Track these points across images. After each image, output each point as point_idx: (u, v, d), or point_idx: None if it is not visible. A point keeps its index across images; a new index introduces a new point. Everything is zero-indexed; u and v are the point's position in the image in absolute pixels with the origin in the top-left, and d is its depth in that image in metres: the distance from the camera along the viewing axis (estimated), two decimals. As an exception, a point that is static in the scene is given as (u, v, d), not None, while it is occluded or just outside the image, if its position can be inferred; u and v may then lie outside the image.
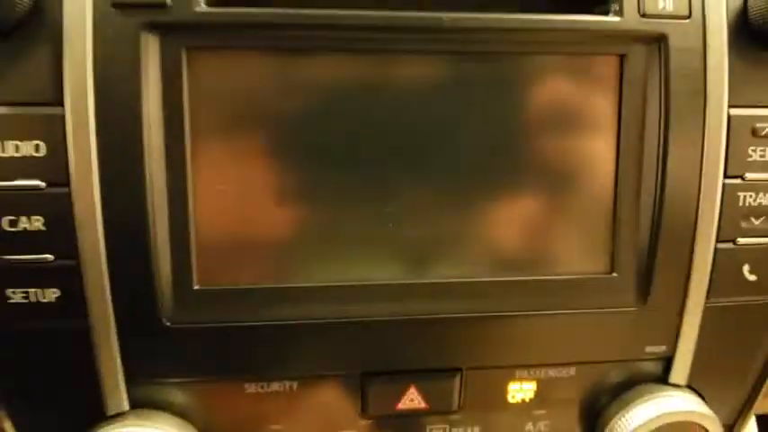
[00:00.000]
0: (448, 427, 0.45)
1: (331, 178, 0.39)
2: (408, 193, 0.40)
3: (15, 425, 0.40)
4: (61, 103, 0.35)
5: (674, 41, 0.40)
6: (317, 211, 0.40)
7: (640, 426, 0.43)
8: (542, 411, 0.45)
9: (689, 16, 0.40)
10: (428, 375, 0.42)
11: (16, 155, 0.35)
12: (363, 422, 0.44)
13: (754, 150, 0.41)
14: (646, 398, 0.44)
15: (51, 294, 0.37)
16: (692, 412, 0.44)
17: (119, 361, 0.39)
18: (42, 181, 0.36)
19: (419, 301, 0.41)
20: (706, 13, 0.40)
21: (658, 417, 0.43)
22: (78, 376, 0.39)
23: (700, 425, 0.44)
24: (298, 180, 0.39)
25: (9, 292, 0.37)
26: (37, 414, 0.40)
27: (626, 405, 0.44)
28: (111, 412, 0.40)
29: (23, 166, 0.36)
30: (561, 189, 0.41)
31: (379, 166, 0.40)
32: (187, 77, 0.37)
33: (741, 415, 0.48)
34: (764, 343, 0.45)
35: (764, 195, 0.42)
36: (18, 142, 0.35)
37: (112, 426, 0.40)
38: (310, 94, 0.39)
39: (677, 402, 0.44)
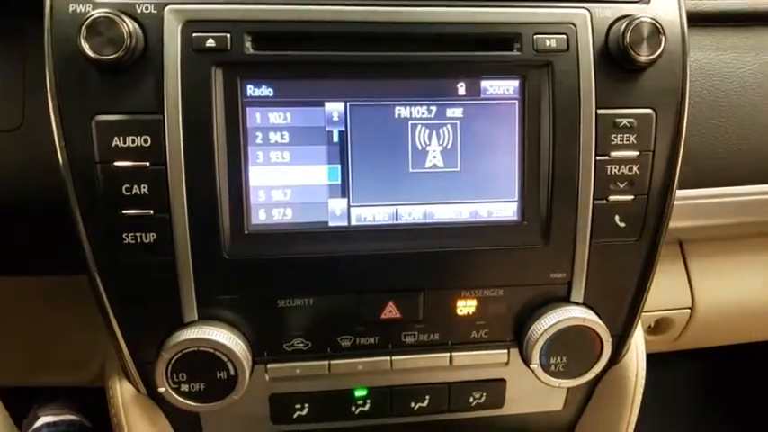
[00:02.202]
0: (416, 333, 0.64)
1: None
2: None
3: (122, 330, 0.60)
4: (161, 112, 0.55)
5: (557, 67, 0.59)
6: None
7: (548, 328, 0.62)
8: (482, 322, 0.64)
9: (567, 50, 0.60)
10: (401, 294, 0.62)
11: (132, 145, 0.55)
12: (358, 328, 0.62)
13: (615, 137, 0.61)
14: (552, 310, 0.63)
15: (151, 237, 0.57)
16: (585, 318, 0.62)
17: (192, 284, 0.58)
18: (148, 162, 0.55)
19: (395, 241, 0.60)
20: (579, 47, 0.60)
21: (560, 321, 0.62)
22: (164, 295, 0.58)
23: (591, 328, 0.63)
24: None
25: (124, 235, 0.56)
26: (136, 322, 0.59)
27: (539, 316, 0.63)
28: (185, 321, 0.59)
29: (136, 153, 0.55)
30: (487, 165, 0.61)
31: None
32: (240, 97, 0.57)
33: (627, 327, 0.66)
34: (635, 272, 0.65)
35: (624, 167, 0.61)
36: (134, 137, 0.55)
37: (186, 329, 0.59)
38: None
39: (575, 311, 0.63)
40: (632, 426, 0.71)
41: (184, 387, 0.60)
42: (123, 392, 0.62)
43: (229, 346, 0.58)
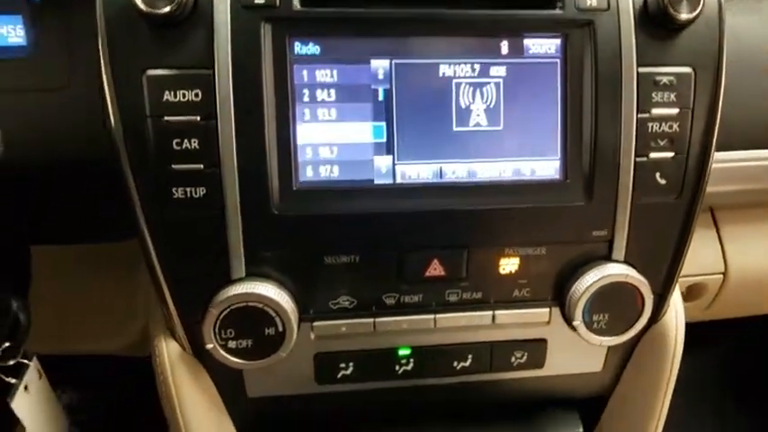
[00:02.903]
0: (459, 291, 0.64)
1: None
2: None
3: (170, 288, 0.60)
4: (212, 67, 0.55)
5: (598, 25, 0.60)
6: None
7: (591, 285, 0.62)
8: (524, 280, 0.64)
9: (608, 8, 0.60)
10: (445, 251, 0.62)
11: (182, 100, 0.55)
12: (403, 286, 0.63)
13: (656, 94, 0.61)
14: (594, 267, 0.63)
15: (200, 192, 0.57)
16: (627, 275, 0.63)
17: (241, 239, 0.58)
18: (199, 116, 0.56)
19: (439, 198, 0.60)
20: (619, 6, 0.60)
21: (603, 277, 0.62)
22: (213, 251, 0.58)
23: (633, 285, 0.64)
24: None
25: (174, 190, 0.56)
26: (184, 279, 0.59)
27: (581, 274, 0.63)
28: (233, 277, 0.59)
29: (187, 107, 0.55)
30: (529, 124, 0.62)
31: None
32: (288, 54, 0.57)
33: (666, 285, 0.67)
34: (675, 230, 0.65)
35: (665, 125, 0.62)
36: (185, 91, 0.55)
37: (235, 285, 0.59)
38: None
39: (617, 268, 0.63)
40: (671, 389, 0.71)
41: (232, 344, 0.60)
42: (170, 352, 0.62)
43: (278, 301, 0.58)
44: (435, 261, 0.62)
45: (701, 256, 0.78)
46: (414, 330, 0.64)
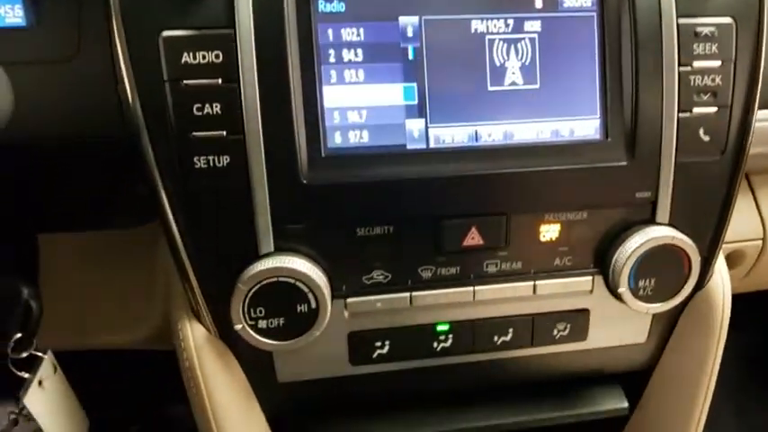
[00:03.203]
0: (499, 262, 0.60)
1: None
2: None
3: (194, 265, 0.56)
4: (233, 26, 0.51)
5: None
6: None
7: (637, 248, 0.59)
8: (566, 248, 0.61)
9: None
10: (483, 218, 0.58)
11: (203, 62, 0.52)
12: (439, 258, 0.59)
13: (697, 46, 0.58)
14: (638, 231, 0.60)
15: (224, 160, 0.53)
16: (674, 237, 0.60)
17: (268, 211, 0.54)
18: (220, 79, 0.52)
19: (476, 162, 0.57)
20: None
21: (650, 240, 0.59)
22: (239, 224, 0.55)
23: (680, 248, 0.60)
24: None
25: (195, 159, 0.53)
26: (208, 255, 0.56)
27: (625, 238, 0.60)
28: (261, 252, 0.55)
29: (208, 69, 0.51)
30: (567, 81, 0.58)
31: None
32: (312, 12, 0.54)
33: (712, 249, 0.63)
34: (720, 190, 0.62)
35: (707, 78, 0.59)
36: (205, 52, 0.51)
37: (263, 260, 0.55)
38: None
39: (661, 230, 0.60)
40: (718, 360, 0.68)
41: (262, 323, 0.56)
42: (195, 336, 0.58)
43: (311, 275, 0.55)
44: (474, 229, 0.59)
45: (739, 223, 0.75)
46: (452, 304, 0.61)
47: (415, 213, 0.57)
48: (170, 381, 0.68)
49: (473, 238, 0.59)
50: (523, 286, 0.61)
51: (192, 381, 0.59)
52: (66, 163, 0.61)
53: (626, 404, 0.72)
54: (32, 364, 0.63)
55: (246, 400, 0.63)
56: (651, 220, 0.61)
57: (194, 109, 0.52)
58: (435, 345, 0.63)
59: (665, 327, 0.68)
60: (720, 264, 0.66)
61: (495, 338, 0.63)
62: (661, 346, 0.69)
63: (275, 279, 0.54)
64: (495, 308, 0.62)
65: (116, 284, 0.70)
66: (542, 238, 0.60)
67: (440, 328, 0.62)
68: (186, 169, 0.53)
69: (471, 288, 0.60)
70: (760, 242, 0.76)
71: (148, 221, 0.67)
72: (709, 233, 0.63)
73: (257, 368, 0.62)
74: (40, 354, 0.63)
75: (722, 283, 0.65)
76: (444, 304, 0.61)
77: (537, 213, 0.59)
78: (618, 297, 0.62)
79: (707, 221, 0.62)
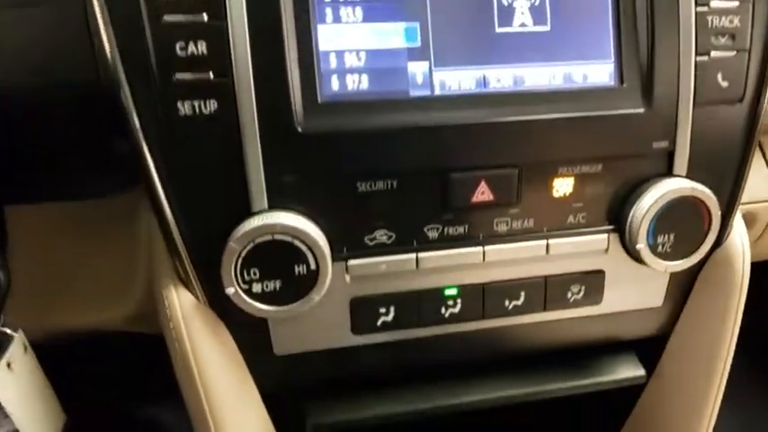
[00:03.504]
0: (509, 220, 0.56)
1: None
2: None
3: (180, 224, 0.50)
4: (222, -45, 0.47)
5: None
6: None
7: (656, 200, 0.55)
8: (580, 204, 0.57)
9: None
10: (493, 171, 0.54)
11: (185, -5, 0.47)
12: (446, 216, 0.55)
13: (716, -15, 0.55)
14: (655, 184, 0.57)
15: (210, 106, 0.48)
16: (694, 188, 0.56)
17: (261, 163, 0.49)
18: (205, 14, 0.47)
19: (484, 109, 0.53)
20: None
21: (669, 192, 0.55)
22: (228, 178, 0.50)
23: (700, 200, 0.57)
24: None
25: (179, 104, 0.47)
26: (196, 213, 0.50)
27: (642, 192, 0.57)
28: (254, 209, 0.50)
29: (191, 4, 0.46)
30: (579, 23, 0.54)
31: None
32: None
33: (731, 203, 0.60)
34: (738, 140, 0.58)
35: (725, 19, 0.55)
36: (187, -17, 0.47)
37: (256, 217, 0.50)
38: None
39: (680, 182, 0.56)
40: (737, 325, 0.64)
41: (256, 287, 0.51)
42: (182, 304, 0.52)
43: (309, 232, 0.50)
44: (483, 183, 0.54)
45: (750, 184, 0.71)
46: (460, 266, 0.56)
47: (419, 166, 0.53)
48: (157, 368, 0.62)
49: (483, 194, 0.54)
50: (536, 245, 0.57)
51: (180, 354, 0.53)
52: (35, 122, 0.56)
53: (643, 372, 0.68)
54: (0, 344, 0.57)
55: (239, 375, 0.58)
56: (668, 173, 0.57)
57: (177, 48, 0.47)
58: (443, 311, 0.58)
59: (682, 289, 0.64)
60: (738, 221, 0.63)
61: (507, 303, 0.59)
62: (677, 311, 0.66)
63: (270, 237, 0.49)
64: (505, 270, 0.58)
65: (93, 258, 0.64)
66: (555, 194, 0.56)
67: (448, 292, 0.58)
68: (169, 116, 0.48)
69: (481, 248, 0.56)
70: (772, 203, 0.73)
71: (127, 188, 0.61)
72: (728, 186, 0.59)
73: (251, 339, 0.56)
74: (8, 331, 0.57)
75: (741, 240, 0.62)
76: (452, 266, 0.56)
77: (550, 166, 0.55)
78: (635, 256, 0.58)
79: (725, 174, 0.59)
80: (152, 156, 0.49)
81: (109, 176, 0.63)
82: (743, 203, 0.70)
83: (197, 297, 0.53)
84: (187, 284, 0.53)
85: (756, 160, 0.74)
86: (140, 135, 0.48)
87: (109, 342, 0.75)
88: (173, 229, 0.50)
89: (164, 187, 0.49)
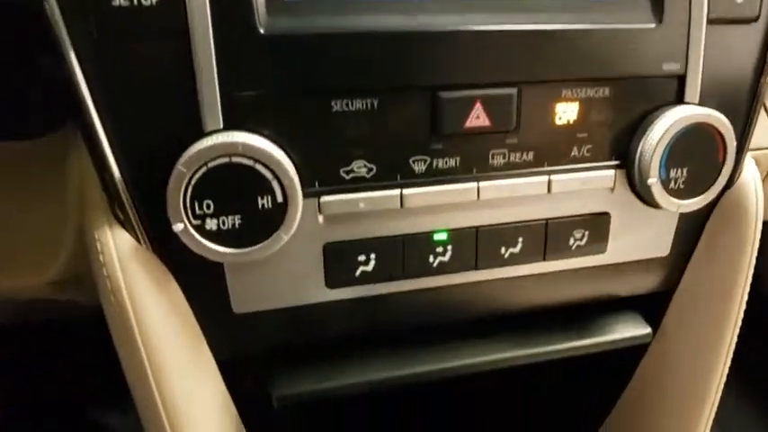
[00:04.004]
0: (507, 151, 0.49)
1: None
2: None
3: (115, 149, 0.41)
4: None
5: None
6: None
7: (666, 131, 0.49)
8: (585, 134, 0.50)
9: None
10: (490, 90, 0.47)
11: None
12: (435, 145, 0.47)
13: None
14: (666, 112, 0.50)
15: (152, -1, 0.39)
16: (709, 115, 0.50)
17: (215, 72, 0.41)
18: None
19: (483, 14, 0.45)
20: None
21: (680, 119, 0.49)
22: (175, 91, 0.41)
23: (716, 128, 0.51)
24: None
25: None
26: (135, 135, 0.41)
27: (651, 122, 0.50)
28: (207, 129, 0.42)
29: None
30: None
31: None
32: None
33: (743, 137, 0.54)
34: (752, 65, 0.53)
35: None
36: None
37: (208, 137, 0.41)
38: None
39: (693, 109, 0.50)
40: (749, 279, 0.58)
41: (210, 223, 0.42)
42: (118, 246, 0.43)
43: (274, 154, 0.41)
44: (478, 106, 0.47)
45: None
46: (451, 207, 0.49)
47: (403, 81, 0.45)
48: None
49: (478, 118, 0.47)
50: (536, 182, 0.50)
51: (117, 309, 0.43)
52: None
53: (649, 329, 0.62)
54: None
55: (190, 338, 0.48)
56: (679, 100, 0.51)
57: None
58: (431, 259, 0.50)
59: (690, 236, 0.58)
60: (749, 161, 0.58)
61: (503, 250, 0.52)
62: (684, 262, 0.60)
63: (227, 159, 0.41)
64: (502, 212, 0.51)
65: (11, 212, 0.54)
66: (558, 121, 0.49)
67: (437, 237, 0.50)
68: (99, 11, 0.38)
69: (475, 184, 0.49)
70: (772, 151, 0.68)
71: (52, 129, 0.51)
72: (741, 117, 0.54)
73: (204, 293, 0.47)
74: None
75: (753, 179, 0.56)
76: (442, 206, 0.48)
77: (552, 88, 0.48)
78: (643, 195, 0.52)
79: (738, 103, 0.53)
80: (79, 61, 0.39)
81: (32, 116, 0.53)
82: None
83: (138, 239, 0.44)
84: (125, 225, 0.43)
85: (755, 106, 0.69)
86: (64, 35, 0.39)
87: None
88: (105, 153, 0.41)
89: (94, 101, 0.40)
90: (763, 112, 0.70)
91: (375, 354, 0.55)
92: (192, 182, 0.41)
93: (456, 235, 0.50)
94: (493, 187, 0.49)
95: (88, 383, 0.89)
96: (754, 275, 0.59)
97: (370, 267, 0.49)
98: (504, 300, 0.55)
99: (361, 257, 0.48)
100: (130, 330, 0.44)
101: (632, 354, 0.65)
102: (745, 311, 0.60)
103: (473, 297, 0.54)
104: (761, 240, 0.60)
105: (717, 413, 0.64)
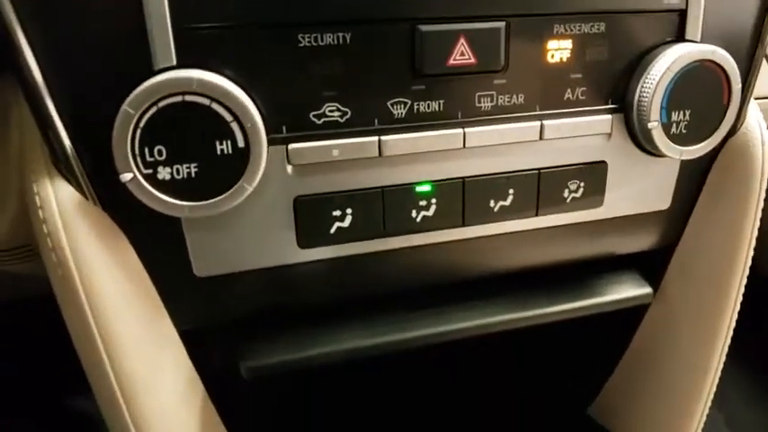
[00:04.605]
0: (494, 93, 0.45)
1: None
2: None
3: (52, 88, 0.36)
4: None
5: None
6: None
7: (665, 71, 0.45)
8: (579, 75, 0.46)
9: None
10: (475, 23, 0.43)
11: None
12: (416, 86, 0.43)
13: None
14: (667, 49, 0.47)
15: None
16: (714, 52, 0.47)
17: (166, 2, 0.36)
18: None
19: None
20: None
21: (682, 56, 0.46)
22: (121, 25, 0.36)
23: (720, 66, 0.47)
24: None
25: None
26: (77, 73, 0.37)
27: (651, 61, 0.47)
28: (157, 66, 0.37)
29: None
30: None
31: None
32: None
33: (747, 80, 0.51)
34: (758, 6, 0.50)
35: None
36: None
37: (159, 75, 0.37)
38: None
39: (695, 46, 0.46)
40: (755, 233, 0.55)
41: (163, 172, 0.38)
42: (60, 200, 0.38)
43: (234, 93, 0.37)
44: (462, 41, 0.43)
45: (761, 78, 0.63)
46: (435, 155, 0.45)
47: (379, 12, 0.41)
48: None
49: (462, 55, 0.43)
50: (527, 127, 0.46)
51: (60, 271, 0.39)
52: None
53: (649, 289, 0.59)
54: None
55: (147, 304, 0.44)
56: (680, 38, 0.48)
57: None
58: (414, 214, 0.46)
59: (693, 187, 0.55)
60: (753, 106, 0.54)
61: (492, 204, 0.48)
62: (686, 216, 0.56)
63: (180, 98, 0.36)
64: (490, 161, 0.47)
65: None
66: (550, 59, 0.45)
67: (419, 189, 0.46)
68: None
69: (461, 130, 0.45)
70: (771, 101, 0.65)
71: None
72: (745, 58, 0.50)
73: (161, 255, 0.43)
74: None
75: (759, 125, 0.53)
76: (425, 155, 0.45)
77: (543, 22, 0.44)
78: (642, 142, 0.48)
79: (741, 42, 0.50)
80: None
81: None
82: (756, 98, 0.62)
83: (83, 194, 0.39)
84: (69, 178, 0.39)
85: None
86: None
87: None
88: (44, 98, 0.36)
89: (29, 41, 0.35)
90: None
91: (353, 321, 0.52)
92: (141, 125, 0.36)
93: (440, 187, 0.46)
94: (480, 133, 0.45)
95: (53, 363, 0.85)
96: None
97: (346, 223, 0.45)
98: (494, 259, 0.52)
99: (337, 212, 0.44)
100: (75, 293, 0.39)
101: (631, 317, 0.62)
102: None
103: (461, 256, 0.50)
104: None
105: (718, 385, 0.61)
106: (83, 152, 0.38)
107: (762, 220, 0.57)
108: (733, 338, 0.58)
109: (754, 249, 0.56)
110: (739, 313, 0.58)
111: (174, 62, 0.38)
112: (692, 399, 0.61)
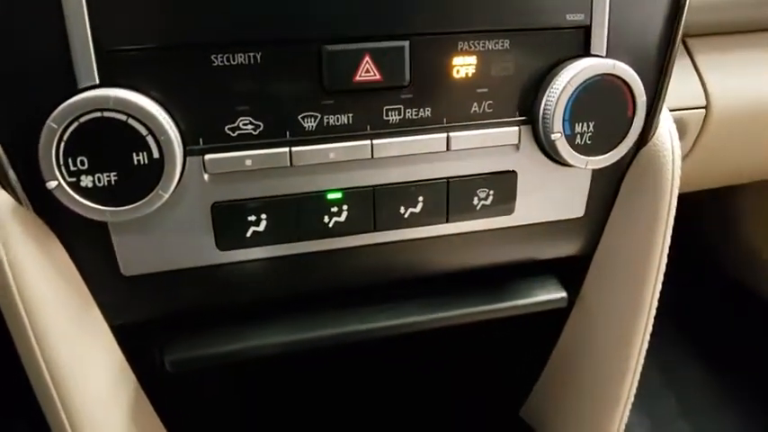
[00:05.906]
0: (402, 107, 0.51)
1: None
2: None
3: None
4: None
5: None
6: None
7: (566, 85, 0.51)
8: (485, 89, 0.52)
9: None
10: (380, 44, 0.48)
11: None
12: (325, 101, 0.49)
13: None
14: (569, 65, 0.52)
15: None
16: (615, 65, 0.52)
17: (87, 24, 0.42)
18: None
19: None
20: None
21: (583, 71, 0.51)
22: (45, 44, 0.42)
23: (623, 80, 0.53)
24: None
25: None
26: (7, 93, 0.43)
27: (556, 74, 0.52)
28: (81, 86, 0.43)
29: None
30: None
31: None
32: None
33: (656, 93, 0.56)
34: (662, 14, 0.54)
35: None
36: None
37: (81, 94, 0.43)
38: None
39: (596, 61, 0.52)
40: (668, 239, 0.60)
41: (86, 180, 0.44)
42: (-4, 205, 0.45)
43: (148, 109, 0.43)
44: (367, 59, 0.49)
45: (680, 90, 0.69)
46: (345, 164, 0.51)
47: (286, 33, 0.47)
48: None
49: (368, 72, 0.49)
50: (434, 139, 0.52)
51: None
52: None
53: (564, 294, 0.64)
54: None
55: (78, 301, 0.50)
56: (585, 53, 0.53)
57: None
58: (326, 219, 0.52)
59: (606, 197, 0.60)
60: (666, 118, 0.60)
61: (402, 210, 0.54)
62: (601, 224, 0.62)
63: (98, 114, 0.43)
64: (399, 170, 0.53)
65: None
66: (456, 74, 0.51)
67: (331, 196, 0.52)
68: None
69: (368, 142, 0.50)
70: (703, 111, 0.70)
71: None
72: (652, 70, 0.55)
73: (90, 255, 0.49)
74: None
75: (670, 135, 0.58)
76: (336, 165, 0.51)
77: (447, 40, 0.50)
78: (550, 152, 0.54)
79: (648, 55, 0.55)
80: None
81: None
82: (672, 110, 0.67)
83: (18, 200, 0.46)
84: (4, 185, 0.45)
85: (685, 65, 0.71)
86: None
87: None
88: None
89: None
90: (692, 69, 0.72)
91: (276, 319, 0.58)
92: (65, 138, 0.43)
93: (351, 194, 0.52)
94: (388, 145, 0.51)
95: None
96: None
97: (261, 228, 0.51)
98: (408, 264, 0.58)
99: (252, 217, 0.50)
100: (8, 289, 0.46)
101: (553, 320, 0.67)
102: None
103: (375, 260, 0.56)
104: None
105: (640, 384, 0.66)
106: (16, 163, 0.45)
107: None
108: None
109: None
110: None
111: (97, 81, 0.44)
112: (613, 400, 0.66)
